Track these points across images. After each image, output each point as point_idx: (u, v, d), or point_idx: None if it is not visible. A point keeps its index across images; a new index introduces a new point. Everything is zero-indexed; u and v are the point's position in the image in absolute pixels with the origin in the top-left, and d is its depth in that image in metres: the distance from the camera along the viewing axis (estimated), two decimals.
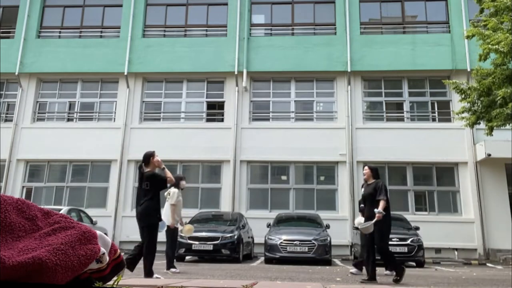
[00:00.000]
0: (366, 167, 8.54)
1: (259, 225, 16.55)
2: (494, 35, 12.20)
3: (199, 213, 16.37)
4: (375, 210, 7.88)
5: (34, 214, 2.26)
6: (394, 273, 8.02)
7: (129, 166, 19.60)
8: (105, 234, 2.62)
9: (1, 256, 1.89)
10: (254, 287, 3.35)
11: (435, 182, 18.96)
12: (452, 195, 18.87)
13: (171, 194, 9.61)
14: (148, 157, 7.76)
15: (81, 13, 21.95)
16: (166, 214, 9.42)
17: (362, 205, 9.49)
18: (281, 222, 15.69)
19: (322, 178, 19.40)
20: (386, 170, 19.08)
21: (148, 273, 7.37)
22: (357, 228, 10.54)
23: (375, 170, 8.46)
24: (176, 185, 9.57)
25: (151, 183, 7.52)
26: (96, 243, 2.22)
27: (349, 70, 19.47)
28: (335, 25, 20.53)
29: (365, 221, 8.31)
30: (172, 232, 9.56)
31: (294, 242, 13.75)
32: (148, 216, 7.46)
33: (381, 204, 7.81)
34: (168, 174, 7.72)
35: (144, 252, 7.45)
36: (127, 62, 20.23)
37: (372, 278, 7.84)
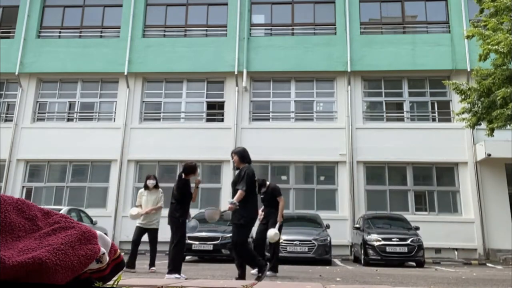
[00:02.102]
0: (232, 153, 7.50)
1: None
2: (494, 35, 12.21)
3: (199, 213, 16.34)
4: (228, 200, 7.19)
5: (34, 214, 2.25)
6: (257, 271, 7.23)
7: (129, 166, 19.60)
8: (105, 234, 2.62)
9: (1, 256, 1.89)
10: (254, 287, 3.34)
11: (435, 182, 18.96)
12: (452, 195, 18.86)
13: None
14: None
15: (81, 13, 21.95)
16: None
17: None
18: None
19: (322, 178, 19.40)
20: (386, 170, 19.09)
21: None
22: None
23: (241, 153, 7.38)
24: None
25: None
26: (96, 243, 2.21)
27: (349, 70, 19.47)
28: (335, 25, 20.52)
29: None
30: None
31: (294, 242, 13.78)
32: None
33: (238, 194, 6.95)
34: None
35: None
36: (127, 62, 20.23)
37: (241, 275, 7.20)
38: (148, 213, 9.68)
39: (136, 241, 9.68)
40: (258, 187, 9.21)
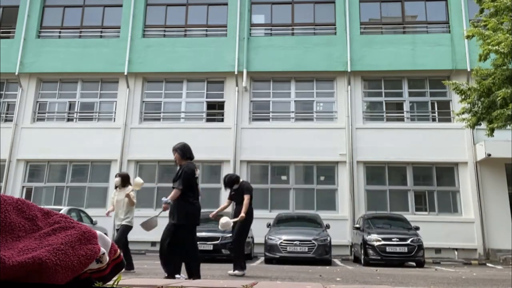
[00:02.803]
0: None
1: (259, 225, 16.43)
2: (494, 35, 12.22)
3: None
4: (162, 199, 6.95)
5: (34, 214, 2.25)
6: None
7: (129, 166, 19.59)
8: (105, 234, 2.62)
9: (1, 256, 1.88)
10: (254, 287, 3.34)
11: (435, 182, 18.96)
12: (452, 195, 18.86)
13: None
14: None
15: (81, 13, 21.95)
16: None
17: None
18: (281, 222, 15.69)
19: (322, 178, 19.40)
20: (386, 170, 19.10)
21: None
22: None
23: (182, 149, 7.13)
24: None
25: None
26: (96, 243, 2.21)
27: (349, 70, 19.46)
28: (335, 25, 20.52)
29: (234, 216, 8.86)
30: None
31: (294, 242, 13.77)
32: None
33: (172, 192, 6.78)
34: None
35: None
36: (127, 62, 20.23)
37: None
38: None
39: (124, 242, 9.30)
40: (231, 183, 9.25)
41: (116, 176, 9.76)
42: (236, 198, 9.21)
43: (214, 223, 15.42)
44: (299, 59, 19.88)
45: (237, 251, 8.92)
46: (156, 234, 16.68)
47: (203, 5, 21.41)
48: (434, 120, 19.74)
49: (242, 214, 8.72)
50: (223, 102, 20.41)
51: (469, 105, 13.68)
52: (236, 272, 8.58)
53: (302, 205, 18.94)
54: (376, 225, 15.41)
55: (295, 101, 20.27)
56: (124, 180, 9.58)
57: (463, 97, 13.64)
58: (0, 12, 22.33)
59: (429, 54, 19.45)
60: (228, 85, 20.35)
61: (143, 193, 19.68)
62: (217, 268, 10.29)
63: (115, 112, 20.53)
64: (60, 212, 3.00)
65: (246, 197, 8.94)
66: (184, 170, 6.88)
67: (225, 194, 18.92)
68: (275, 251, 13.74)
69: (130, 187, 9.45)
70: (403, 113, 19.94)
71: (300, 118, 20.10)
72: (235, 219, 8.78)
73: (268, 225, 15.38)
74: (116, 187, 9.71)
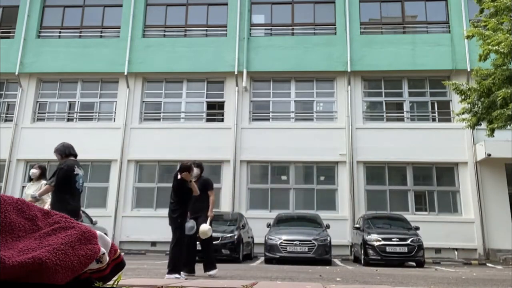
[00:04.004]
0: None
1: (259, 225, 16.56)
2: (494, 35, 12.21)
3: None
4: (31, 194, 6.82)
5: (34, 214, 2.26)
6: None
7: (129, 166, 19.60)
8: (105, 234, 2.63)
9: (1, 256, 1.89)
10: (254, 287, 3.34)
11: (435, 182, 18.95)
12: (452, 195, 18.86)
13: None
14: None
15: (81, 13, 21.94)
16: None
17: None
18: (281, 222, 15.69)
19: (322, 178, 19.40)
20: (386, 170, 19.10)
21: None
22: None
23: (60, 150, 7.02)
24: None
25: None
26: (96, 243, 2.21)
27: (349, 70, 19.46)
28: (335, 25, 20.52)
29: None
30: None
31: (294, 242, 13.77)
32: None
33: (43, 188, 6.66)
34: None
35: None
36: (127, 62, 20.22)
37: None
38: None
39: None
40: (188, 169, 8.39)
41: (34, 167, 8.68)
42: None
43: (214, 223, 15.44)
44: (299, 59, 19.87)
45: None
46: (158, 234, 16.70)
47: (203, 5, 21.40)
48: (434, 120, 19.73)
49: (210, 213, 8.37)
50: (223, 102, 20.40)
51: (469, 105, 13.68)
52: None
53: (302, 205, 18.93)
54: (376, 225, 15.41)
55: (295, 101, 20.26)
56: (43, 174, 8.68)
57: (463, 97, 13.64)
58: (0, 12, 22.32)
59: (429, 54, 19.44)
60: (228, 85, 20.34)
61: (142, 193, 19.72)
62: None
63: (115, 112, 20.52)
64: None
65: (212, 194, 8.62)
66: (60, 167, 6.68)
67: (225, 194, 18.98)
68: (275, 251, 13.74)
69: (43, 181, 8.34)
70: (403, 113, 19.93)
71: (300, 118, 20.09)
72: (208, 220, 8.35)
73: (268, 225, 15.38)
74: (31, 180, 8.74)
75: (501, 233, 17.60)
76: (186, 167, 7.79)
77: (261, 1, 21.44)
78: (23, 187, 19.89)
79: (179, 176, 7.83)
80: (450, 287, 7.06)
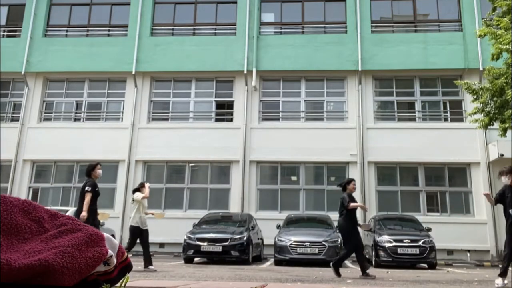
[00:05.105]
0: None
1: (268, 226, 16.39)
2: (506, 34, 12.06)
3: (207, 214, 16.24)
4: None
5: (41, 216, 2.25)
6: None
7: (137, 167, 19.45)
8: (113, 236, 2.54)
9: (7, 258, 1.88)
10: None
11: (447, 183, 18.76)
12: (464, 196, 18.66)
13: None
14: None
15: (88, 11, 21.76)
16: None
17: None
18: (291, 223, 15.57)
19: (332, 178, 19.19)
20: (398, 170, 18.91)
21: None
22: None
23: None
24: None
25: None
26: (103, 246, 2.23)
27: (360, 69, 19.27)
28: (345, 23, 20.31)
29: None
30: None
31: (304, 244, 13.62)
32: None
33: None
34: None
35: None
36: (135, 61, 20.07)
37: None
38: None
39: None
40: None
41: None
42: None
43: (223, 225, 15.31)
44: (309, 58, 19.67)
45: None
46: (166, 235, 16.53)
47: (212, 3, 21.23)
48: (446, 120, 19.51)
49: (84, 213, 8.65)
50: (232, 101, 20.22)
51: (481, 105, 13.54)
52: None
53: (312, 206, 18.79)
54: (388, 226, 15.25)
55: (305, 100, 20.07)
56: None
57: (475, 97, 13.53)
58: (7, 11, 22.17)
59: (441, 53, 19.23)
60: (237, 85, 20.16)
61: (150, 194, 19.49)
62: (226, 270, 10.25)
63: (122, 112, 20.36)
64: (67, 213, 3.09)
65: (87, 195, 8.88)
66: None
67: (234, 195, 18.79)
68: (285, 252, 13.60)
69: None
70: (414, 112, 19.72)
71: (310, 117, 19.90)
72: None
73: (278, 226, 15.26)
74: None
75: None
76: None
77: None
78: (30, 187, 19.84)
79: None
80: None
